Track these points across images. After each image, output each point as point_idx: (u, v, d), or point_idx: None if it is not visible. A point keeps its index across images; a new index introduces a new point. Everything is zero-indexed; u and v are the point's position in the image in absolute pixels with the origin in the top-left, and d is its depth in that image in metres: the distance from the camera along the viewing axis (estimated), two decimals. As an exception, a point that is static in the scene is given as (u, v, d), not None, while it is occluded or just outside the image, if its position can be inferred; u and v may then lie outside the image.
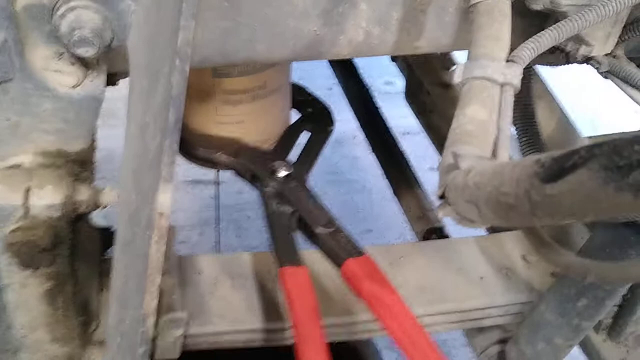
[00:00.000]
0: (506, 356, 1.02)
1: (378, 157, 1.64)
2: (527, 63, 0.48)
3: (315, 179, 2.45)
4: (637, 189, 0.23)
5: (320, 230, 0.84)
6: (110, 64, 0.59)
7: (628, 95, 0.68)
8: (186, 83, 0.44)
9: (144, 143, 0.46)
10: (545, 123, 1.06)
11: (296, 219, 0.86)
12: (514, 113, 0.94)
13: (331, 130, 1.04)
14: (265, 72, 0.83)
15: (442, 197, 0.38)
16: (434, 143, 1.64)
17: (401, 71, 1.84)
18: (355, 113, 1.76)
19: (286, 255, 0.82)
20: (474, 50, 0.49)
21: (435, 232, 1.37)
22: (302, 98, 1.06)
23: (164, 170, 0.44)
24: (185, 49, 0.43)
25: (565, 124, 1.12)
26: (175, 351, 0.84)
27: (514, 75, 0.47)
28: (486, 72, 0.47)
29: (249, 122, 0.88)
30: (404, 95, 1.78)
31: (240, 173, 0.91)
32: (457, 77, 0.48)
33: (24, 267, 0.55)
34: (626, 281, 0.65)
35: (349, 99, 1.80)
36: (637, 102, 0.67)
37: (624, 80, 0.67)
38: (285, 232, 0.84)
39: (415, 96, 1.74)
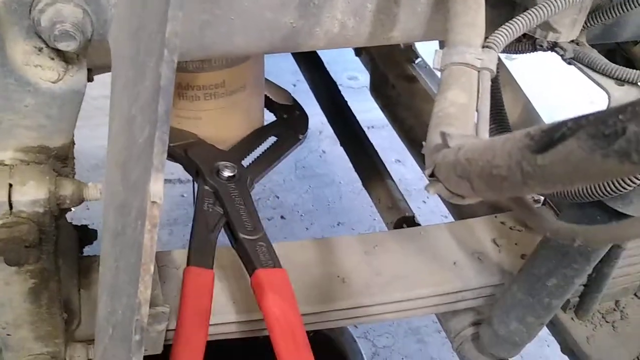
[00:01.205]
0: (480, 337, 1.05)
1: (347, 150, 1.66)
2: (502, 48, 0.50)
3: (284, 173, 2.46)
4: (622, 155, 0.25)
5: (242, 236, 0.84)
6: (88, 59, 0.59)
7: (592, 80, 0.71)
8: (174, 74, 0.44)
9: (132, 135, 0.47)
10: (511, 110, 1.09)
11: (224, 222, 0.86)
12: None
13: (301, 140, 1.03)
14: (223, 70, 0.83)
15: (431, 175, 0.39)
16: (399, 135, 1.67)
17: (365, 65, 1.86)
18: (322, 107, 1.78)
19: (198, 255, 0.82)
20: (451, 37, 0.51)
21: (406, 221, 1.39)
22: (281, 102, 1.05)
23: (156, 160, 0.44)
24: (173, 40, 0.44)
25: (529, 111, 1.16)
26: (158, 345, 0.85)
27: (491, 61, 0.49)
28: (464, 58, 0.49)
29: (206, 119, 0.88)
30: (367, 89, 1.80)
31: (186, 168, 0.91)
32: (436, 63, 0.50)
33: (10, 264, 0.55)
34: (613, 241, 0.68)
35: (315, 93, 1.81)
36: (601, 87, 0.70)
37: (589, 66, 0.70)
38: (206, 232, 0.84)
39: (380, 90, 1.77)
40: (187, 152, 0.87)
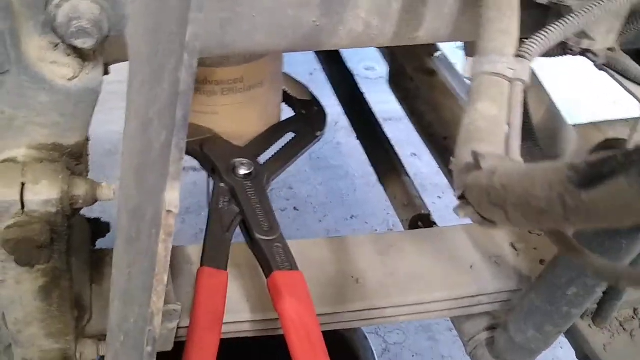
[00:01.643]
0: (495, 343, 1.03)
1: (363, 143, 1.64)
2: (536, 58, 0.48)
3: (299, 164, 2.44)
4: None
5: (258, 236, 0.82)
6: (105, 56, 0.57)
7: (624, 88, 0.68)
8: (194, 79, 0.42)
9: (148, 139, 0.45)
10: (534, 111, 1.06)
11: (240, 221, 0.84)
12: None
13: (319, 137, 1.01)
14: (242, 66, 0.81)
15: (461, 197, 0.37)
16: (417, 129, 1.64)
17: (384, 57, 1.83)
18: (339, 98, 1.75)
19: (212, 255, 0.81)
20: (483, 44, 0.48)
21: (422, 220, 1.38)
22: (299, 97, 1.02)
23: (172, 168, 0.43)
24: (194, 44, 0.42)
25: (553, 113, 1.13)
26: (169, 342, 0.84)
27: (524, 71, 0.47)
28: (496, 68, 0.47)
29: (223, 114, 0.86)
30: (385, 80, 1.77)
31: (202, 164, 0.89)
32: (466, 71, 0.48)
33: (21, 264, 0.54)
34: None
35: (332, 84, 1.78)
36: (634, 96, 0.67)
37: (621, 73, 0.68)
38: (221, 232, 0.82)
39: (398, 82, 1.74)
40: (202, 148, 0.86)
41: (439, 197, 2.17)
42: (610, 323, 1.14)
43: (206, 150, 0.86)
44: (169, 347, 0.84)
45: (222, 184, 0.84)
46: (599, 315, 1.12)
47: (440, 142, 1.58)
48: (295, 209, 2.06)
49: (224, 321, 0.84)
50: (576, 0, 0.54)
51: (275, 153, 0.91)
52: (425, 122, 1.64)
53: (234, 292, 0.90)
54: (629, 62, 0.67)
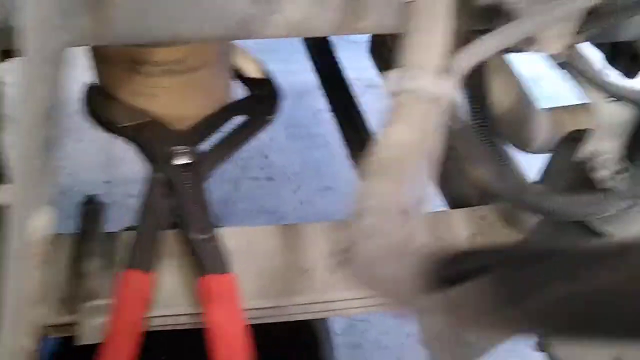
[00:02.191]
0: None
1: (336, 116, 1.58)
2: (464, 74, 0.43)
3: (275, 132, 2.39)
4: (524, 317, 0.19)
5: (192, 235, 0.78)
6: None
7: (582, 88, 0.64)
8: (60, 98, 0.38)
9: (21, 158, 0.40)
10: (502, 97, 1.01)
11: (174, 216, 0.80)
12: (466, 95, 0.89)
13: (269, 120, 0.93)
14: (183, 46, 0.75)
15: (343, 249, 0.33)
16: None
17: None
18: (315, 65, 1.69)
19: (139, 257, 0.77)
20: (408, 57, 0.44)
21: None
22: (253, 75, 0.94)
23: (43, 192, 0.38)
24: (60, 54, 0.37)
25: (523, 97, 1.08)
26: (99, 336, 0.81)
27: (448, 89, 0.42)
28: (417, 85, 0.42)
29: (162, 96, 0.80)
30: (367, 44, 1.70)
31: (139, 151, 0.83)
32: (386, 87, 0.43)
33: None
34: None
35: (308, 48, 1.72)
36: (588, 97, 0.63)
37: (580, 73, 0.63)
38: (151, 229, 0.78)
39: (378, 52, 1.67)
40: (139, 133, 0.80)
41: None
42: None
43: (143, 135, 0.80)
44: (99, 339, 0.81)
45: (157, 174, 0.79)
46: None
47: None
48: (269, 178, 2.02)
49: (161, 314, 0.81)
50: (523, 4, 0.49)
51: (220, 139, 0.85)
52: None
53: (177, 282, 0.87)
54: (588, 64, 0.63)
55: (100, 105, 0.82)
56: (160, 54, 0.76)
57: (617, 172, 0.63)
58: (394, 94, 0.43)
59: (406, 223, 0.34)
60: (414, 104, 0.42)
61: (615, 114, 0.62)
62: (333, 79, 1.60)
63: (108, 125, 0.82)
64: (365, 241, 0.29)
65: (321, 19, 0.62)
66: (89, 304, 0.79)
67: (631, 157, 0.64)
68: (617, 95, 0.61)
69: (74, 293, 0.83)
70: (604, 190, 0.64)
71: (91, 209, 0.88)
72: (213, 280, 0.75)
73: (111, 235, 0.90)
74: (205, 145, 0.84)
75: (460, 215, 1.08)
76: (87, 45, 0.57)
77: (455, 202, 1.33)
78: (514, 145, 1.12)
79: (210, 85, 0.84)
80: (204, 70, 0.81)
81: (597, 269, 0.20)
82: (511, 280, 0.20)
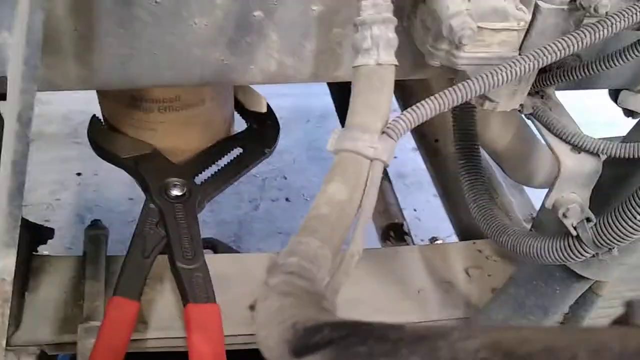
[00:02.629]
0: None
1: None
2: (402, 136, 0.46)
3: (295, 153, 2.42)
4: None
5: (179, 264, 0.81)
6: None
7: (547, 143, 0.65)
8: (27, 149, 0.42)
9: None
10: (500, 134, 1.02)
11: (164, 246, 0.83)
12: (455, 133, 0.91)
13: (266, 154, 0.95)
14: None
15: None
16: (411, 130, 1.60)
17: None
18: (330, 89, 1.72)
19: (126, 284, 0.80)
20: (350, 117, 0.46)
21: (394, 229, 1.36)
22: (253, 109, 0.97)
23: (7, 236, 0.42)
24: (27, 113, 0.41)
25: (523, 135, 1.09)
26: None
27: (385, 151, 0.45)
28: (356, 146, 0.44)
29: (161, 131, 0.85)
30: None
31: (137, 181, 0.87)
32: (330, 145, 0.46)
33: None
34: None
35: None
36: (553, 153, 0.64)
37: (546, 126, 0.64)
38: (141, 258, 0.81)
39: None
40: (137, 164, 0.85)
41: (434, 196, 2.13)
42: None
43: (140, 167, 0.85)
44: (88, 357, 0.85)
45: (151, 205, 0.83)
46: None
47: (432, 144, 1.55)
48: (287, 199, 2.06)
49: (149, 337, 0.85)
50: (470, 66, 0.51)
51: (215, 171, 0.89)
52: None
53: (173, 304, 0.90)
54: (552, 116, 0.64)
55: (102, 137, 0.87)
56: (158, 92, 0.81)
57: (583, 222, 0.64)
58: (336, 153, 0.45)
59: (323, 282, 0.37)
60: (352, 163, 0.44)
61: (580, 165, 0.63)
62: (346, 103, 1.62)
63: (109, 156, 0.87)
64: (263, 301, 0.32)
65: (296, 69, 0.65)
66: (87, 325, 0.83)
67: (595, 208, 0.65)
68: (581, 147, 0.62)
69: (75, 313, 0.88)
70: (575, 239, 0.65)
71: (95, 234, 0.93)
72: (195, 310, 0.78)
73: (113, 259, 0.95)
74: (202, 177, 0.88)
75: (457, 249, 1.10)
76: (73, 89, 0.62)
77: (464, 233, 1.34)
78: (517, 180, 1.13)
79: (208, 122, 0.88)
80: (199, 107, 0.85)
81: (417, 353, 0.22)
82: (346, 356, 0.22)
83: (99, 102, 0.88)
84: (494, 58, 0.51)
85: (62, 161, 1.99)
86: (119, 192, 1.97)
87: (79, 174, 1.98)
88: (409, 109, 0.46)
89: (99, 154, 0.87)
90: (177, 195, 0.84)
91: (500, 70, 0.49)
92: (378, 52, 0.46)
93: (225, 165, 0.90)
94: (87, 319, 0.83)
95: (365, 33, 0.47)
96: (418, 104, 0.46)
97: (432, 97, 0.47)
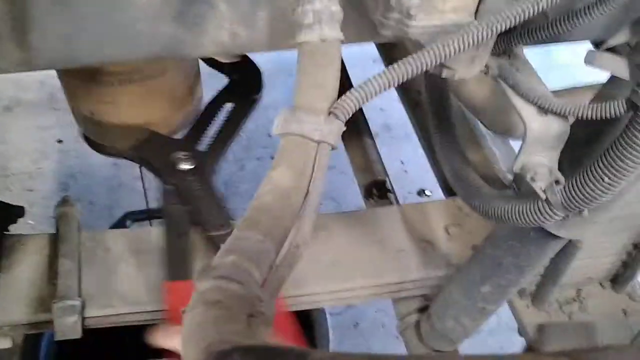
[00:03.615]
0: (420, 328, 1.03)
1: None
2: (349, 116, 0.44)
3: (280, 109, 2.40)
4: None
5: (213, 232, 0.80)
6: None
7: (513, 106, 0.63)
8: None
9: None
10: (476, 90, 1.00)
11: (193, 220, 0.82)
12: (427, 95, 0.88)
13: (255, 100, 0.95)
14: None
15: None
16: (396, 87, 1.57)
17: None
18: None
19: (174, 268, 0.79)
20: (295, 98, 0.44)
21: (377, 186, 1.34)
22: (228, 60, 0.96)
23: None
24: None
25: (500, 90, 1.06)
26: (75, 332, 0.85)
27: (331, 133, 0.43)
28: (302, 129, 0.42)
29: (124, 105, 0.82)
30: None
31: (145, 167, 0.85)
32: (275, 129, 0.44)
33: None
34: None
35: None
36: (519, 114, 0.62)
37: (512, 87, 0.62)
38: (178, 238, 0.80)
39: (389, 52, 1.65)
40: (140, 151, 0.82)
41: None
42: (549, 305, 1.12)
43: (143, 153, 0.82)
44: (76, 335, 0.85)
45: (167, 185, 0.80)
46: (537, 297, 1.10)
47: (414, 96, 1.52)
48: (272, 157, 2.04)
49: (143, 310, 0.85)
50: (423, 34, 0.49)
51: (215, 134, 0.87)
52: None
53: (148, 279, 0.90)
54: (519, 77, 0.62)
55: (96, 134, 0.85)
56: (115, 66, 0.78)
57: (552, 185, 0.62)
58: (280, 136, 0.43)
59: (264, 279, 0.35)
60: (298, 147, 0.42)
61: (547, 127, 0.61)
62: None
63: (109, 150, 0.85)
64: (189, 311, 0.30)
65: (251, 39, 0.62)
66: (62, 304, 0.83)
67: (563, 170, 0.63)
68: (548, 109, 0.60)
69: (50, 292, 0.87)
70: (545, 202, 0.64)
71: (65, 211, 0.92)
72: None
73: (88, 236, 0.94)
74: (204, 144, 0.86)
75: (436, 207, 1.09)
76: (17, 72, 0.59)
77: (450, 188, 1.33)
78: (497, 133, 1.11)
79: (172, 91, 0.85)
80: (162, 77, 0.82)
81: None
82: None
83: (60, 80, 0.85)
84: (448, 25, 0.49)
85: (41, 129, 1.96)
86: (101, 157, 1.94)
87: (59, 141, 1.95)
88: (357, 87, 0.44)
89: (98, 150, 0.85)
90: (187, 169, 0.82)
91: (454, 40, 0.46)
92: (321, 27, 0.44)
93: (222, 124, 0.89)
94: (62, 297, 0.83)
95: (307, 7, 0.44)
96: (367, 80, 0.44)
97: (382, 72, 0.44)
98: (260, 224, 0.39)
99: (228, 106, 0.94)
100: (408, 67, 0.45)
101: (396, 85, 0.45)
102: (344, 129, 0.44)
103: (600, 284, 1.16)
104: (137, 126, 0.86)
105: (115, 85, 0.80)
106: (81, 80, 0.80)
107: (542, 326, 0.24)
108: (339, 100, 0.44)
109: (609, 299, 1.14)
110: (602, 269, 1.12)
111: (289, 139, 0.43)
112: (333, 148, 0.43)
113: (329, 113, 0.43)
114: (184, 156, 0.83)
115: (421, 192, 2.03)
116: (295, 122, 0.43)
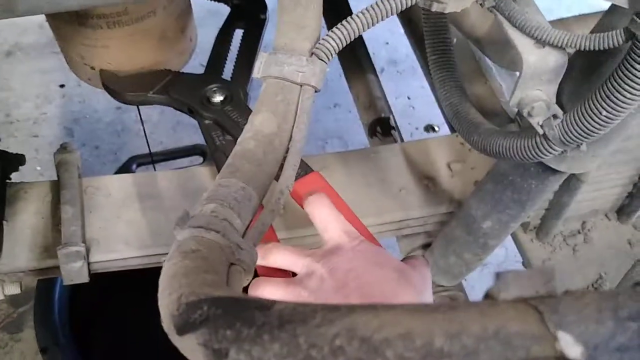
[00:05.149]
0: (423, 264, 1.03)
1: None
2: (333, 56, 0.42)
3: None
4: None
5: None
6: None
7: (509, 35, 0.61)
8: None
9: None
10: (478, 24, 0.97)
11: None
12: (426, 29, 0.86)
13: (264, 19, 0.94)
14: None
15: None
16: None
17: None
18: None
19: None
20: (276, 39, 0.42)
21: (381, 124, 1.33)
22: None
23: None
24: None
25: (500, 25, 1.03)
26: (82, 277, 0.87)
27: (314, 74, 0.41)
28: (282, 71, 0.41)
29: (114, 47, 0.81)
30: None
31: (177, 108, 0.85)
32: (256, 72, 0.43)
33: None
34: None
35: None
36: (514, 46, 0.60)
37: (507, 19, 0.60)
38: None
39: None
40: (168, 92, 0.82)
41: (422, 88, 2.08)
42: (553, 237, 1.12)
43: (172, 93, 0.82)
44: (84, 279, 0.87)
45: (206, 121, 0.81)
46: (541, 230, 1.11)
47: (420, 30, 1.48)
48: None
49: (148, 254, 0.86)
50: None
51: (235, 60, 0.87)
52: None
53: (151, 223, 0.91)
54: (516, 7, 0.59)
55: (120, 85, 0.84)
56: (102, 8, 0.76)
57: (550, 119, 0.61)
58: (262, 79, 0.42)
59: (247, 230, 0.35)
60: (280, 91, 0.41)
61: (545, 60, 0.59)
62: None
63: (136, 99, 0.84)
64: (167, 261, 0.30)
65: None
66: (66, 250, 0.84)
67: (563, 104, 0.61)
68: (545, 41, 0.58)
69: (55, 238, 0.88)
70: (542, 137, 0.63)
71: (65, 158, 0.92)
72: (301, 184, 0.72)
73: (90, 181, 0.94)
74: (228, 73, 0.87)
75: (438, 143, 1.07)
76: (1, 18, 0.58)
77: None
78: (502, 66, 1.09)
79: (163, 32, 0.83)
80: (152, 17, 0.80)
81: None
82: (215, 338, 0.21)
83: (50, 26, 0.83)
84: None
85: (43, 73, 1.94)
86: (105, 101, 1.93)
87: (62, 86, 1.94)
88: (340, 24, 0.42)
89: (123, 100, 0.85)
90: (221, 100, 0.82)
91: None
92: (300, -37, 0.42)
93: (239, 50, 0.89)
94: (67, 243, 0.84)
95: (284, -59, 0.42)
96: (349, 18, 0.42)
97: (366, 8, 0.43)
98: (242, 171, 0.38)
99: (239, 33, 0.95)
100: (393, 3, 0.43)
101: (381, 20, 0.43)
102: (328, 69, 0.43)
103: (606, 215, 1.16)
104: (158, 71, 0.86)
105: (104, 28, 0.78)
106: (70, 23, 0.79)
107: (499, 273, 0.24)
108: (321, 40, 0.42)
109: (614, 231, 1.14)
110: (607, 200, 1.11)
111: (270, 82, 0.42)
112: (316, 90, 0.42)
113: (311, 54, 0.42)
114: (214, 88, 0.83)
115: (429, 128, 2.01)
116: (275, 65, 0.42)
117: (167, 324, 0.25)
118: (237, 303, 0.23)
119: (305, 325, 0.21)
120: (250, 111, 0.84)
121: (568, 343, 0.19)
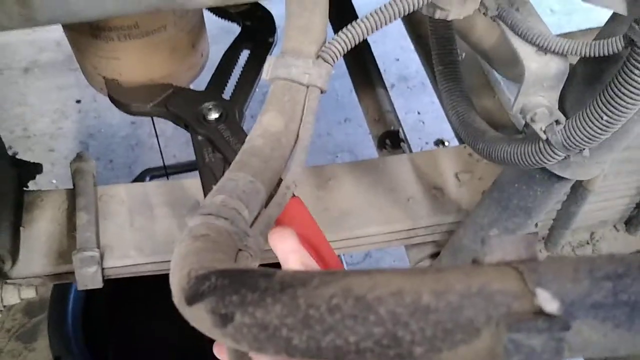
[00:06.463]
0: (432, 273, 1.04)
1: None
2: (338, 59, 0.44)
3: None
4: (234, 339, 0.22)
5: None
6: None
7: (511, 43, 0.62)
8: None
9: None
10: (484, 37, 0.98)
11: (227, 167, 0.84)
12: (433, 41, 0.88)
13: (272, 44, 0.96)
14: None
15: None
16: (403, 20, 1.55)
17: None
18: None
19: None
20: (284, 43, 0.44)
21: (390, 137, 1.35)
22: (237, 9, 0.97)
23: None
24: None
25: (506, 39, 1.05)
26: (96, 282, 0.88)
27: (321, 76, 0.43)
28: (290, 72, 0.43)
29: (125, 60, 0.83)
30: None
31: (174, 122, 0.87)
32: (265, 74, 0.45)
33: None
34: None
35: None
36: (517, 54, 0.62)
37: (511, 28, 0.62)
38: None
39: None
40: (167, 105, 0.84)
41: (433, 103, 2.10)
42: (562, 248, 1.13)
43: (170, 106, 0.84)
44: (98, 285, 0.89)
45: (198, 136, 0.82)
46: (550, 240, 1.11)
47: (429, 45, 1.50)
48: (288, 111, 2.04)
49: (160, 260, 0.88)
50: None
51: (237, 81, 0.89)
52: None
53: (163, 230, 0.93)
54: (518, 16, 0.61)
55: (122, 94, 0.86)
56: (114, 20, 0.79)
57: (552, 125, 0.62)
58: (270, 81, 0.44)
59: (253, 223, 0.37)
60: (287, 92, 0.43)
61: (546, 67, 0.61)
62: (342, 9, 1.56)
63: (136, 109, 0.87)
64: (178, 244, 0.32)
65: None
66: (81, 255, 0.86)
67: (564, 110, 0.63)
68: (546, 48, 0.59)
69: (70, 244, 0.90)
70: (545, 142, 0.64)
71: (80, 166, 0.94)
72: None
73: (104, 190, 0.97)
74: (228, 92, 0.88)
75: (447, 154, 1.09)
76: (19, 28, 0.60)
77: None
78: (510, 79, 1.10)
79: (174, 46, 0.86)
80: (163, 32, 0.83)
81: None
82: (223, 304, 0.23)
83: (67, 37, 0.86)
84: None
85: (60, 89, 1.99)
86: (119, 116, 1.97)
87: (78, 102, 1.98)
88: (345, 29, 0.44)
89: (126, 110, 0.87)
90: (216, 118, 0.83)
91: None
92: (307, -30, 0.44)
93: (242, 70, 0.90)
94: (81, 249, 0.86)
95: (292, -50, 0.44)
96: (354, 22, 0.44)
97: (370, 13, 0.45)
98: (251, 166, 0.40)
99: (244, 55, 0.96)
100: (396, 8, 0.45)
101: (385, 25, 0.45)
102: (333, 72, 0.45)
103: (615, 226, 1.16)
104: (160, 84, 0.88)
105: (115, 41, 0.81)
106: (83, 34, 0.82)
107: (484, 238, 0.25)
108: (327, 43, 0.44)
109: (623, 241, 1.14)
110: (616, 211, 1.12)
111: (278, 83, 0.44)
112: (322, 92, 0.44)
113: (318, 57, 0.44)
114: (210, 106, 0.85)
115: (438, 143, 2.02)
116: (283, 67, 0.44)
117: (178, 297, 0.27)
118: (243, 273, 0.24)
119: (304, 288, 0.23)
120: (243, 132, 0.87)
121: (546, 299, 0.20)
